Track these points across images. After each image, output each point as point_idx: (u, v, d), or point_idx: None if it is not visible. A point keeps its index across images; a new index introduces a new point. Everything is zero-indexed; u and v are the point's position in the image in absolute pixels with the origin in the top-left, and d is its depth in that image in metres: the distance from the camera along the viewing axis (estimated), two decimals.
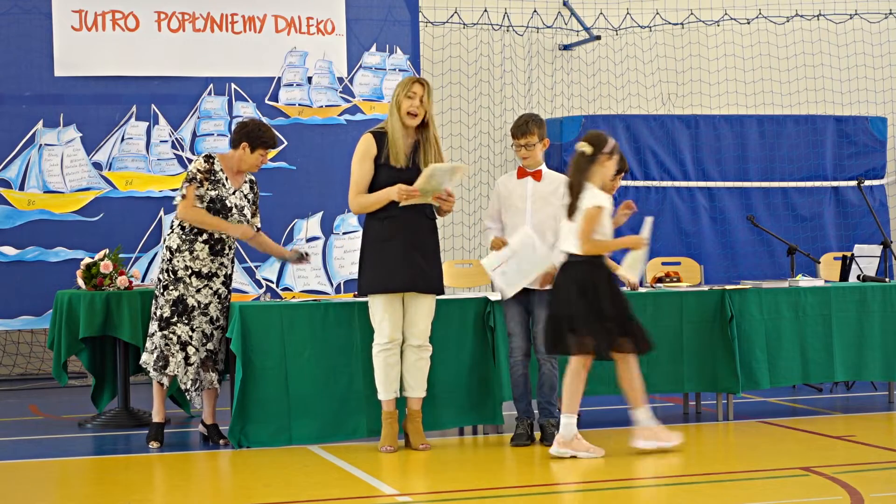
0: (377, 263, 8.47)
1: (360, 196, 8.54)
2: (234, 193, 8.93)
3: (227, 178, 8.92)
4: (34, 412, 10.97)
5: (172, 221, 9.02)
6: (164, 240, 9.05)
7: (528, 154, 8.78)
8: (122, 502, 7.30)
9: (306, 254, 9.26)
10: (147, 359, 8.97)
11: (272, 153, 8.99)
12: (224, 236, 8.94)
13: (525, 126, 8.73)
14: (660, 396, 9.11)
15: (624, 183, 13.70)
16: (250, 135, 8.94)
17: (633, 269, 8.58)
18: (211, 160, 8.91)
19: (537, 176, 8.83)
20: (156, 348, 8.86)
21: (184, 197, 8.85)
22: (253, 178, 9.19)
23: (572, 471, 7.96)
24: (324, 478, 7.78)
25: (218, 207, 8.85)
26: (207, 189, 8.84)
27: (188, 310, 8.87)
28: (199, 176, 8.86)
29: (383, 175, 8.47)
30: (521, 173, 8.85)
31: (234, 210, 8.91)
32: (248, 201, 9.03)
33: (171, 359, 8.85)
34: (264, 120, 12.34)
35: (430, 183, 8.31)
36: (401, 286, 8.48)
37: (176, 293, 8.88)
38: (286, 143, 12.41)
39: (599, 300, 8.19)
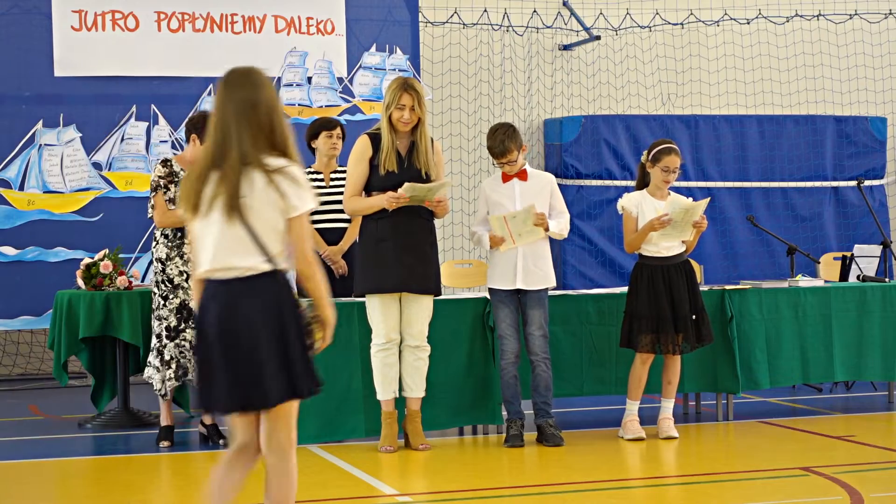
0: (371, 264, 8.48)
1: (354, 199, 8.58)
2: None
3: None
4: (34, 412, 10.97)
5: (154, 232, 9.06)
6: (152, 252, 9.09)
7: (512, 167, 8.82)
8: (122, 502, 7.30)
9: None
10: (152, 373, 8.98)
11: None
12: None
13: (503, 145, 8.75)
14: (659, 396, 9.12)
15: (624, 183, 13.72)
16: (197, 126, 9.02)
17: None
18: (168, 163, 9.04)
19: (523, 176, 8.86)
20: (172, 359, 8.88)
21: (154, 207, 8.91)
22: None
23: (572, 470, 7.97)
24: (323, 477, 7.78)
25: None
26: (175, 191, 8.91)
27: (193, 314, 8.90)
28: (161, 182, 8.96)
29: (378, 177, 8.48)
30: (506, 176, 8.87)
31: None
32: None
33: (188, 365, 8.90)
34: None
35: (413, 196, 8.34)
36: (394, 286, 8.49)
37: (177, 300, 8.91)
38: None
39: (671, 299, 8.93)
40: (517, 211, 8.67)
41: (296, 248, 5.05)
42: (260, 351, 4.97)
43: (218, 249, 5.03)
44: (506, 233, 8.68)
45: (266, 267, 5.02)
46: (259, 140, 5.03)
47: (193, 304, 8.50)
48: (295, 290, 5.16)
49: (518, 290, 8.79)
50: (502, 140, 8.75)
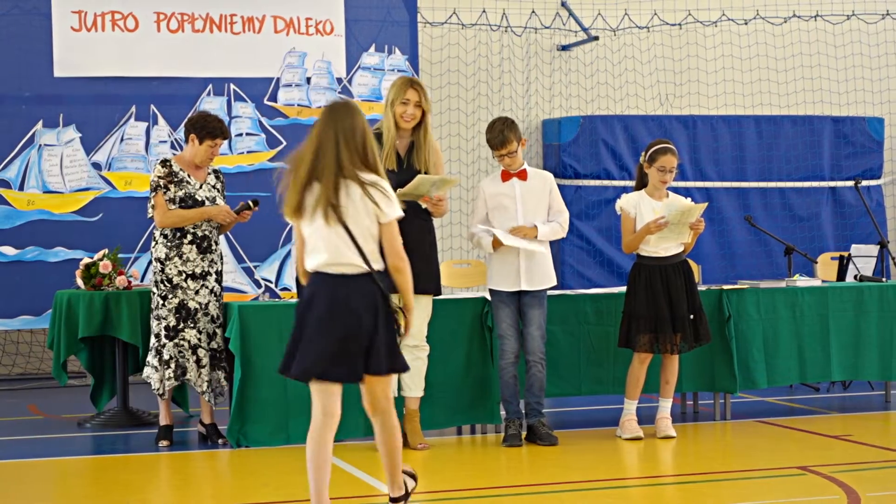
0: None
1: None
2: (200, 188, 9.04)
3: (189, 175, 9.02)
4: (33, 412, 10.98)
5: (154, 232, 9.08)
6: (151, 252, 9.11)
7: (513, 160, 8.82)
8: (121, 502, 7.32)
9: (253, 201, 9.28)
10: (150, 373, 9.01)
11: (222, 143, 9.10)
12: (207, 232, 9.02)
13: (502, 135, 8.75)
14: (657, 396, 9.14)
15: (622, 183, 13.74)
16: (196, 126, 9.06)
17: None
18: (167, 163, 9.06)
19: (523, 175, 8.88)
20: (171, 358, 8.90)
21: (154, 207, 8.94)
22: (217, 168, 9.31)
23: (570, 470, 7.99)
24: None
25: (190, 204, 8.96)
26: (174, 191, 8.94)
27: (192, 314, 8.93)
28: (161, 182, 8.98)
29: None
30: (506, 175, 8.88)
31: (207, 203, 9.01)
32: (218, 191, 9.13)
33: (187, 365, 8.92)
34: (263, 121, 12.38)
35: (418, 189, 8.36)
36: (393, 287, 8.49)
37: (176, 300, 8.93)
38: (285, 143, 12.43)
39: (670, 299, 8.98)
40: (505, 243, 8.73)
41: (388, 247, 6.22)
42: (358, 336, 6.11)
43: (329, 250, 6.12)
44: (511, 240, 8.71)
45: (364, 267, 6.14)
46: (354, 158, 6.13)
47: (193, 304, 8.52)
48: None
49: (519, 291, 8.81)
50: (501, 130, 8.76)
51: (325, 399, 6.24)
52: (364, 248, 6.14)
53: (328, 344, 6.11)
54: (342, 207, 6.09)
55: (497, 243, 8.74)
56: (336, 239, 6.11)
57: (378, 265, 6.20)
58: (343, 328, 6.10)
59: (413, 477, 6.61)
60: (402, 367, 6.31)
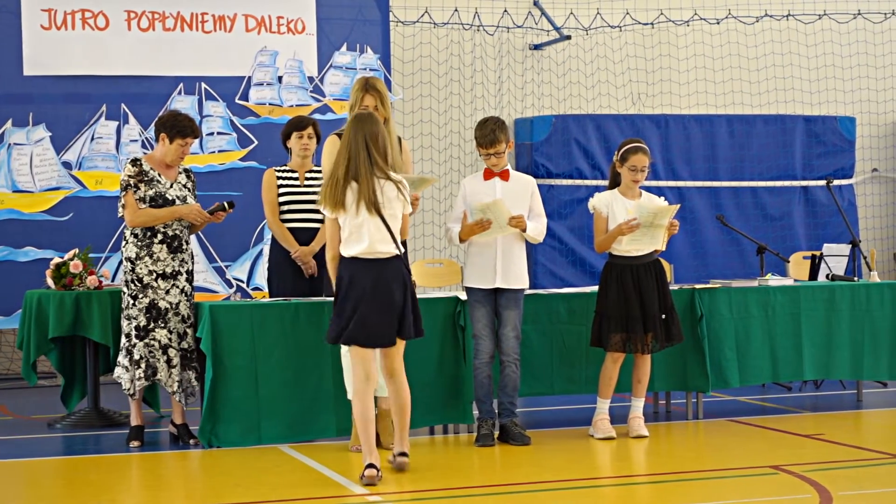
0: None
1: None
2: (171, 187, 9.00)
3: (159, 175, 8.99)
4: (3, 412, 10.92)
5: (124, 231, 9.04)
6: (122, 251, 9.07)
7: (499, 160, 8.82)
8: (92, 502, 7.28)
9: (229, 203, 9.26)
10: (121, 373, 8.97)
11: (192, 142, 9.07)
12: (178, 232, 8.98)
13: (493, 135, 8.75)
14: (629, 395, 9.15)
15: (594, 182, 13.75)
16: (166, 125, 9.03)
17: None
18: (138, 162, 9.02)
19: (505, 176, 8.86)
20: (141, 358, 8.86)
21: (125, 206, 8.90)
22: (188, 167, 9.28)
23: (543, 470, 7.99)
24: (294, 477, 7.78)
25: (160, 203, 8.92)
26: (145, 190, 8.90)
27: (162, 313, 8.89)
28: (132, 181, 8.94)
29: None
30: (488, 175, 8.87)
31: (178, 202, 8.98)
32: (188, 190, 9.10)
33: (157, 365, 8.87)
34: (234, 119, 12.34)
35: None
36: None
37: (147, 300, 8.88)
38: (256, 142, 12.39)
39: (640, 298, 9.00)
40: (497, 200, 8.63)
41: (405, 232, 7.70)
42: (396, 306, 7.54)
43: (369, 239, 7.45)
44: (489, 214, 8.63)
45: (396, 251, 7.53)
46: (381, 159, 7.50)
47: (163, 304, 8.58)
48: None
49: (495, 291, 8.80)
50: (493, 129, 8.76)
51: (366, 364, 7.56)
52: (396, 235, 7.50)
53: (370, 316, 7.45)
54: (380, 202, 7.42)
55: (464, 236, 8.74)
56: (375, 229, 7.44)
57: (403, 249, 7.56)
58: (381, 303, 7.45)
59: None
60: (421, 332, 7.71)
